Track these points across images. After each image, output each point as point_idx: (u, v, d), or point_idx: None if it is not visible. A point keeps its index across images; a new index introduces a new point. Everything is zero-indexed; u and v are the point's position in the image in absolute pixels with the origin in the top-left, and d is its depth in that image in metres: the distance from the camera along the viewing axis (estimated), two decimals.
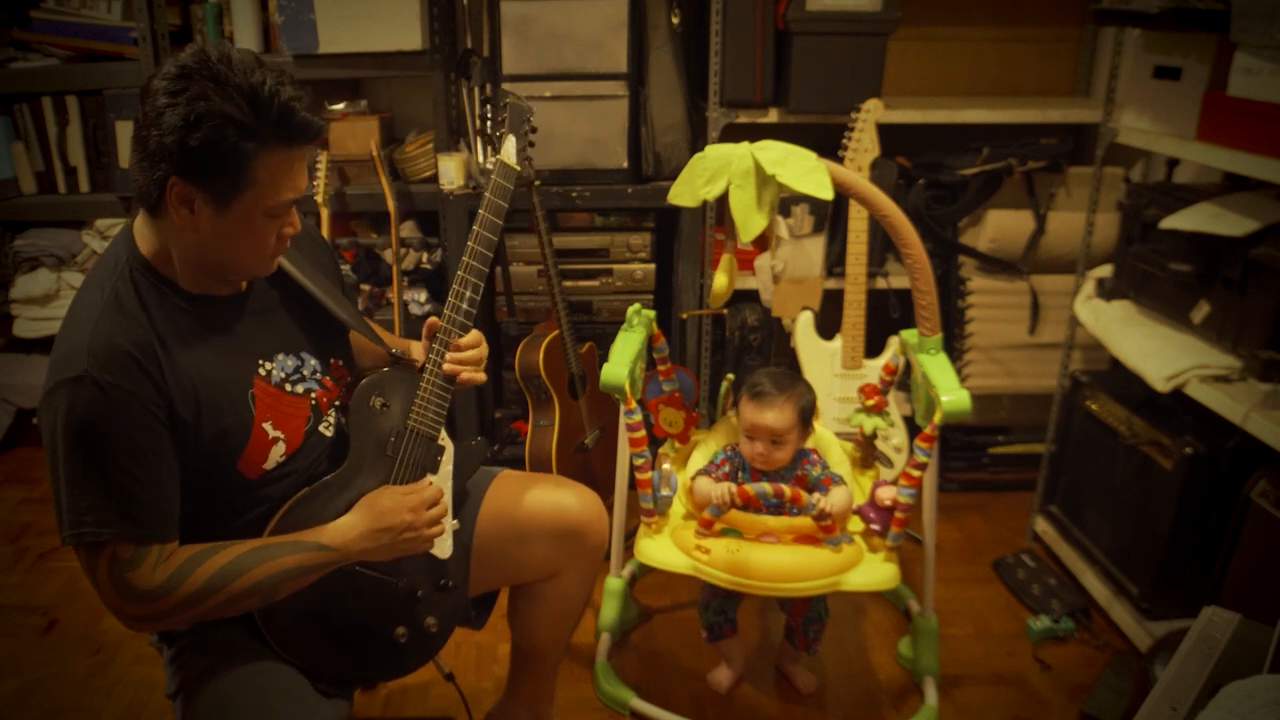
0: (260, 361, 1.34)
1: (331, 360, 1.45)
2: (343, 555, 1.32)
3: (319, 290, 1.43)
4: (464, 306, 1.47)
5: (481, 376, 1.51)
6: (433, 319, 1.49)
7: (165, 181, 1.18)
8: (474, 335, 1.50)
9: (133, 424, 1.19)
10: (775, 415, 1.89)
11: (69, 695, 2.05)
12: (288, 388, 1.36)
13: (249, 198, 1.21)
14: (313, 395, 1.40)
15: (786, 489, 1.79)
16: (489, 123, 1.63)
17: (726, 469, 1.95)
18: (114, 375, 1.18)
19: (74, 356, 1.18)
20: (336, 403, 1.44)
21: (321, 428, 1.41)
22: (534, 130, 1.69)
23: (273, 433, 1.33)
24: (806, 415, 1.93)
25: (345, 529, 1.33)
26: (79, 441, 1.18)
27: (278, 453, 1.34)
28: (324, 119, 1.25)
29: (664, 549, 1.86)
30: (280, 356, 1.37)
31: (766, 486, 1.80)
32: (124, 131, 2.79)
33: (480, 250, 1.48)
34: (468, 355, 1.49)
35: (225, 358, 1.30)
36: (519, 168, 1.57)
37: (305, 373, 1.39)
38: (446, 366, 1.47)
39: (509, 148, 1.57)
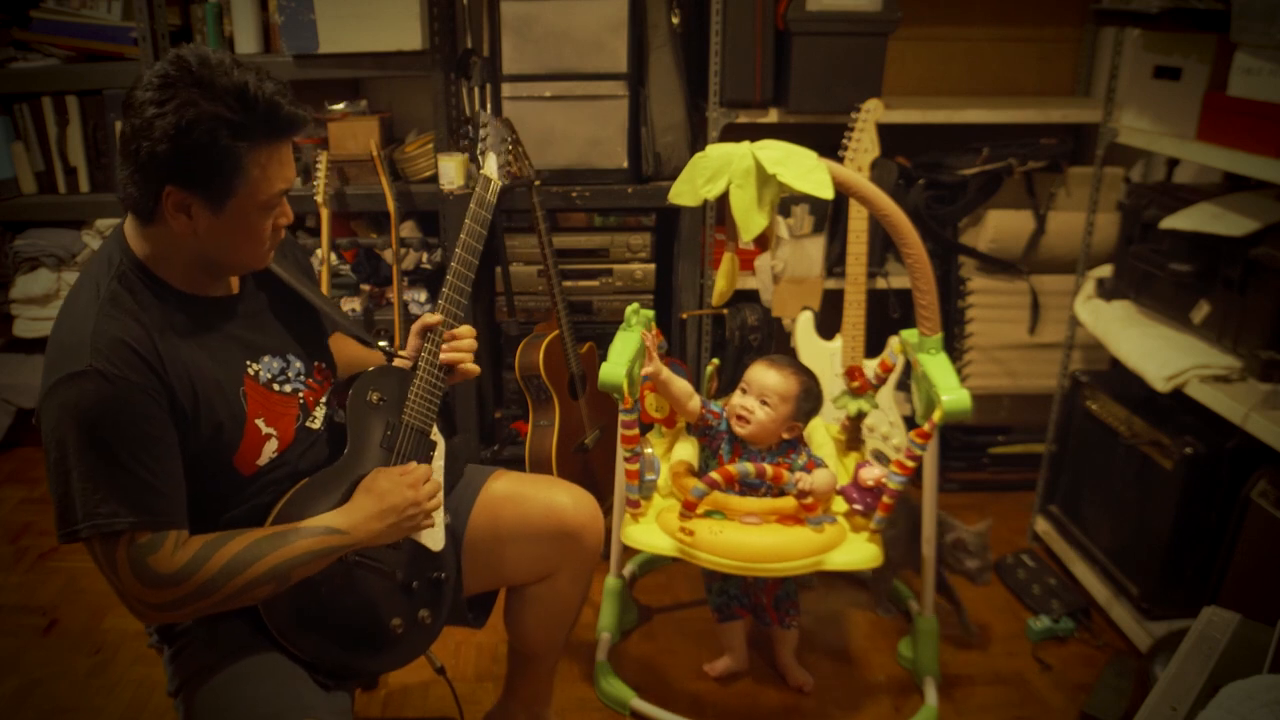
0: (248, 362, 1.36)
1: (316, 363, 1.48)
2: (352, 538, 1.34)
3: (310, 294, 1.47)
4: (454, 310, 1.57)
5: (476, 369, 1.59)
6: (427, 316, 1.56)
7: (160, 191, 1.19)
8: (466, 328, 1.59)
9: (140, 415, 1.20)
10: (776, 377, 1.92)
11: (69, 695, 2.05)
12: (275, 387, 1.39)
13: (243, 195, 1.22)
14: (300, 395, 1.42)
15: (769, 468, 1.82)
16: (472, 143, 1.73)
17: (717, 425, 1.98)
18: (118, 368, 1.19)
19: (76, 351, 1.19)
20: (323, 399, 1.47)
21: (309, 423, 1.44)
22: (517, 143, 1.82)
23: (265, 429, 1.35)
24: (805, 408, 1.94)
25: (352, 512, 1.35)
26: (89, 433, 1.18)
27: (270, 449, 1.36)
28: (306, 110, 1.27)
29: (649, 532, 1.86)
30: (266, 358, 1.39)
31: (749, 466, 1.82)
32: None
33: (466, 257, 1.60)
34: (464, 344, 1.56)
35: (217, 356, 1.32)
36: (500, 181, 1.70)
37: (290, 374, 1.42)
38: (445, 356, 1.54)
39: (490, 164, 1.71)
